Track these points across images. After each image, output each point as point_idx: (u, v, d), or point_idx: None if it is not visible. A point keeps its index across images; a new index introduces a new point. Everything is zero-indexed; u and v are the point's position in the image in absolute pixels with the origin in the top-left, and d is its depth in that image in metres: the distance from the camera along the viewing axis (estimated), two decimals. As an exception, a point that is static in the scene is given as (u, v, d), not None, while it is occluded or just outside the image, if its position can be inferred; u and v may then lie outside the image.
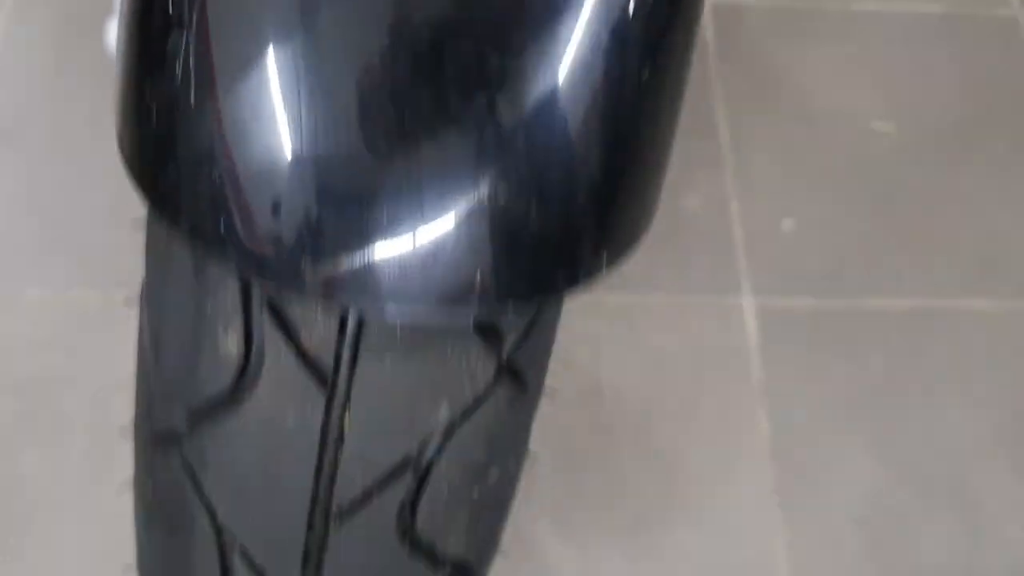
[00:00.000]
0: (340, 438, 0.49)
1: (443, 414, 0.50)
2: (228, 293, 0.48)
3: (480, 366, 0.50)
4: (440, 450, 0.52)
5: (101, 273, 1.20)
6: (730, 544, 1.13)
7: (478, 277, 0.41)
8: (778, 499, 1.15)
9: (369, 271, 0.41)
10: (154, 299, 0.52)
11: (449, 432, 0.51)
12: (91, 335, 1.16)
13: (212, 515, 0.53)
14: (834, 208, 1.33)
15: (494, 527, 0.60)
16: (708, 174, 1.33)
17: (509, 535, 1.13)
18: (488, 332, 0.49)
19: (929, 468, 1.18)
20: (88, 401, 1.13)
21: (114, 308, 1.17)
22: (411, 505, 0.53)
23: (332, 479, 0.51)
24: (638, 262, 1.26)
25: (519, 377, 0.52)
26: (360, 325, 0.47)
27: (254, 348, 0.48)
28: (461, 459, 0.53)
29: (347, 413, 0.49)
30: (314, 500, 0.51)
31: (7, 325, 1.18)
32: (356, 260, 0.40)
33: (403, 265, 0.40)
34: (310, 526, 0.52)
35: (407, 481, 0.52)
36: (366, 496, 0.51)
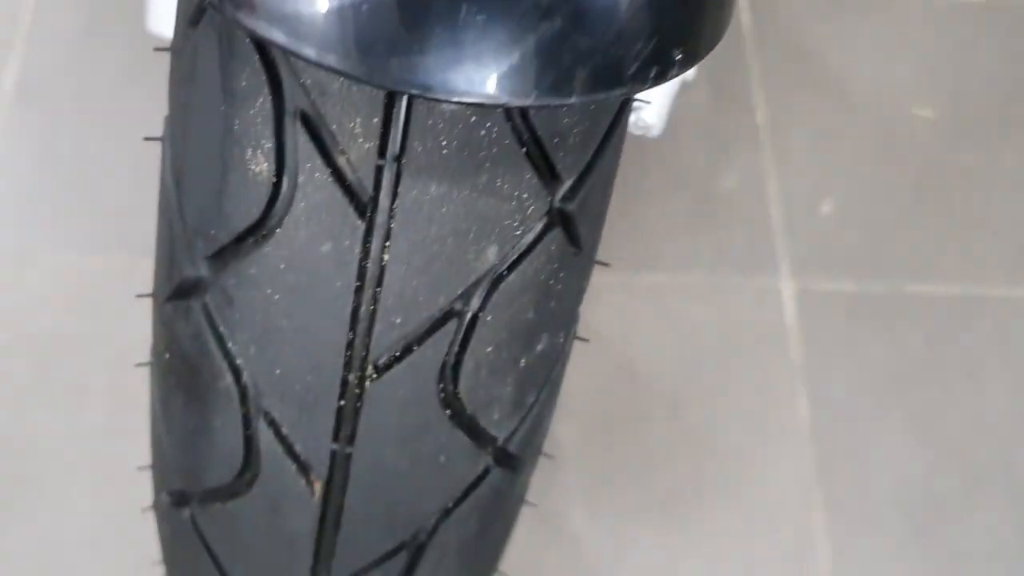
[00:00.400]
0: (379, 276, 0.46)
1: (491, 257, 0.46)
2: (259, 107, 0.44)
3: (532, 207, 0.46)
4: (486, 301, 0.47)
5: (122, 237, 1.18)
6: (767, 523, 1.09)
7: (543, 61, 0.38)
8: (817, 480, 1.11)
9: (423, 42, 0.37)
10: (177, 131, 0.49)
11: (497, 281, 0.47)
12: (111, 298, 1.14)
13: (236, 374, 0.49)
14: (874, 191, 1.30)
15: (541, 416, 0.55)
16: (745, 154, 1.31)
17: (535, 512, 1.10)
18: (542, 167, 0.46)
19: (973, 452, 1.14)
20: (105, 364, 1.11)
21: (135, 272, 1.15)
22: (454, 365, 0.49)
23: (370, 325, 0.47)
24: (674, 240, 1.24)
25: (572, 229, 0.49)
26: (404, 143, 0.43)
27: (286, 169, 0.44)
28: (508, 316, 0.48)
29: (387, 245, 0.45)
30: (349, 351, 0.47)
31: (27, 286, 1.16)
32: (408, 29, 0.37)
33: (459, 40, 0.37)
34: (343, 385, 0.48)
35: (450, 334, 0.48)
36: (406, 350, 0.47)
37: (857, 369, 1.18)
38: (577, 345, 1.28)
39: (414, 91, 0.38)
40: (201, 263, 0.48)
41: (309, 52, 0.37)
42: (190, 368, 0.51)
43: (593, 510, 1.10)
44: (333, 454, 0.50)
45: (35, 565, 1.01)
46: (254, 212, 0.45)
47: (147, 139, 0.52)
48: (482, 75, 0.37)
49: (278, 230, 0.45)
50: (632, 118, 0.87)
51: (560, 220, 0.48)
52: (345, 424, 0.49)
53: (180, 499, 0.56)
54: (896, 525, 1.10)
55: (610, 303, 1.20)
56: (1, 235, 1.18)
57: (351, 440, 0.49)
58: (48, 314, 1.14)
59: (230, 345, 0.48)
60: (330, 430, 0.49)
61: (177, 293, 0.50)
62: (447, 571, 0.57)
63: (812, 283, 1.23)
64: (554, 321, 0.51)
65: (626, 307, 1.20)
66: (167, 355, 0.52)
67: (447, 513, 0.54)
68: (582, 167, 0.47)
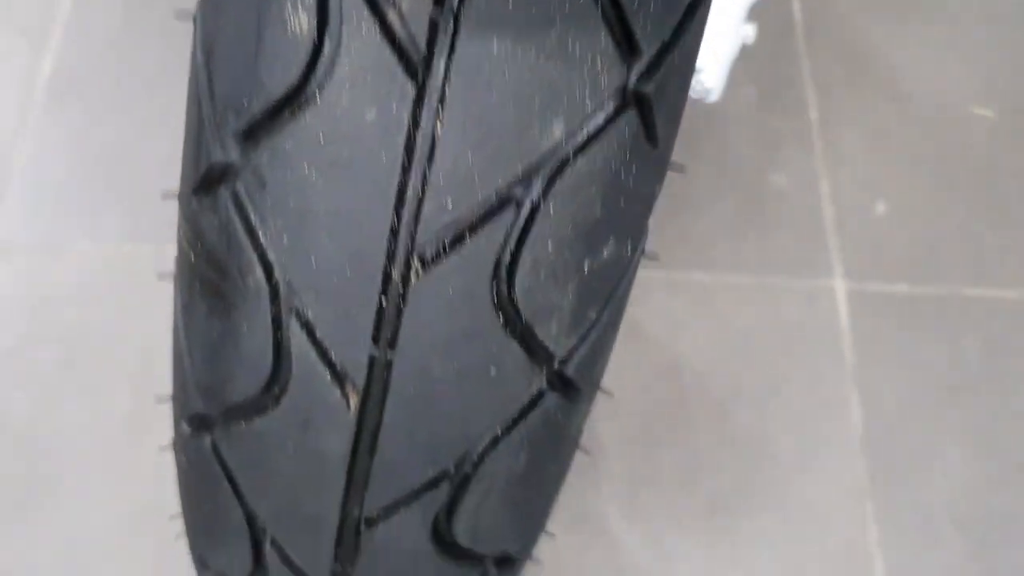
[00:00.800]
0: (431, 150, 0.41)
1: (556, 134, 0.41)
2: None
3: (606, 80, 0.41)
4: (549, 187, 0.42)
5: (153, 229, 1.16)
6: (817, 534, 1.03)
7: None
8: (870, 490, 1.06)
9: None
10: (210, 1, 0.45)
11: (562, 166, 0.42)
12: (140, 290, 1.11)
13: (267, 269, 0.44)
14: (930, 193, 1.25)
15: (602, 340, 0.50)
16: (796, 153, 1.26)
17: (575, 516, 1.05)
18: (619, 32, 0.41)
19: (1034, 465, 1.08)
20: (133, 356, 1.08)
21: (165, 264, 1.12)
22: (510, 264, 0.44)
23: (418, 209, 0.42)
24: (722, 240, 1.20)
25: (648, 116, 0.44)
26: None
27: (329, 25, 0.39)
28: (573, 209, 0.43)
29: (441, 113, 0.41)
30: (393, 240, 0.42)
31: (57, 275, 1.14)
32: None
33: None
34: (386, 280, 0.43)
35: (507, 225, 0.43)
36: (457, 240, 0.42)
37: (913, 374, 1.13)
38: (620, 342, 1.23)
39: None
40: (231, 144, 0.44)
41: None
42: (216, 266, 0.46)
43: (633, 513, 1.04)
44: (372, 360, 0.44)
45: (49, 560, 0.97)
46: (292, 76, 0.41)
47: (178, 14, 0.48)
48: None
49: (318, 96, 0.41)
50: (687, 82, 0.83)
51: (635, 102, 0.43)
52: (386, 326, 0.44)
53: (201, 424, 0.52)
54: (954, 540, 1.04)
55: (656, 302, 1.15)
56: (31, 223, 1.16)
57: (392, 345, 0.44)
58: (75, 304, 1.12)
59: (261, 235, 0.44)
60: (369, 333, 0.44)
61: (204, 182, 0.45)
62: (492, 513, 0.51)
63: (865, 285, 1.18)
64: (622, 224, 0.46)
65: (672, 307, 1.15)
66: (192, 256, 0.48)
67: (495, 442, 0.48)
68: (663, 41, 0.42)
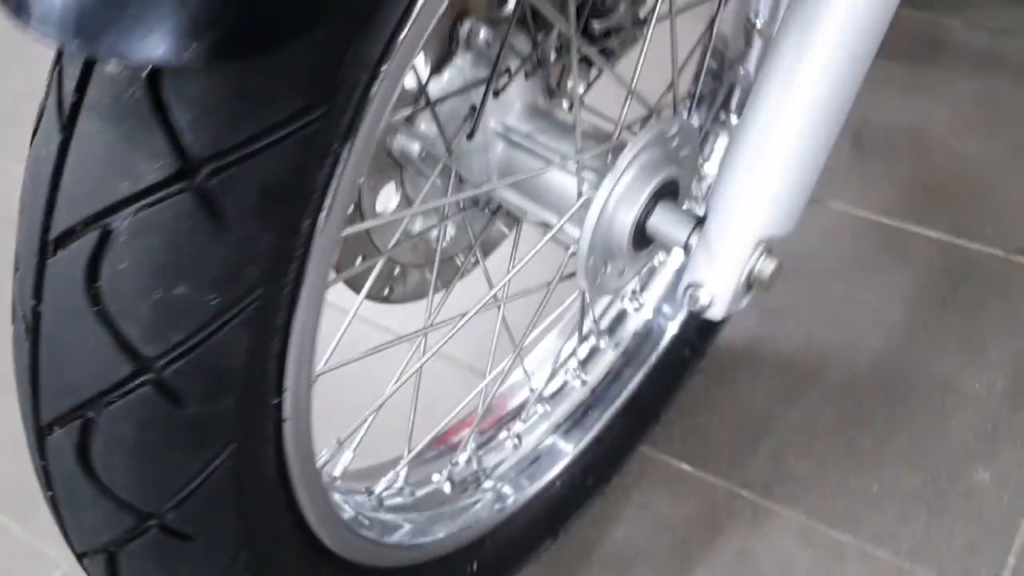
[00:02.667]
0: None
1: (123, 191, 0.60)
2: None
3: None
4: (124, 220, 0.61)
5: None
6: None
7: None
8: None
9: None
10: None
11: (135, 211, 0.61)
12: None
13: None
14: None
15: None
16: (1018, 457, 1.12)
17: None
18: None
19: None
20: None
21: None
22: (100, 270, 0.63)
23: (53, 207, 0.64)
24: (885, 511, 1.11)
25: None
26: None
27: None
28: (140, 245, 0.62)
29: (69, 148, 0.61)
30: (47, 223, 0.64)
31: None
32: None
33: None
34: (42, 253, 0.64)
35: (94, 241, 0.62)
36: (65, 238, 0.63)
37: None
38: (722, 558, 1.20)
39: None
40: None
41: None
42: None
43: None
44: (34, 310, 0.68)
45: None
46: None
47: None
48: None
49: None
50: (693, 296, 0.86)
51: None
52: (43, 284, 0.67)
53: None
54: None
55: (780, 543, 1.12)
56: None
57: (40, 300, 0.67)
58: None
59: None
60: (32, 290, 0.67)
61: None
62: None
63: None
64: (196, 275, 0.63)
65: (795, 554, 1.11)
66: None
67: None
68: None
